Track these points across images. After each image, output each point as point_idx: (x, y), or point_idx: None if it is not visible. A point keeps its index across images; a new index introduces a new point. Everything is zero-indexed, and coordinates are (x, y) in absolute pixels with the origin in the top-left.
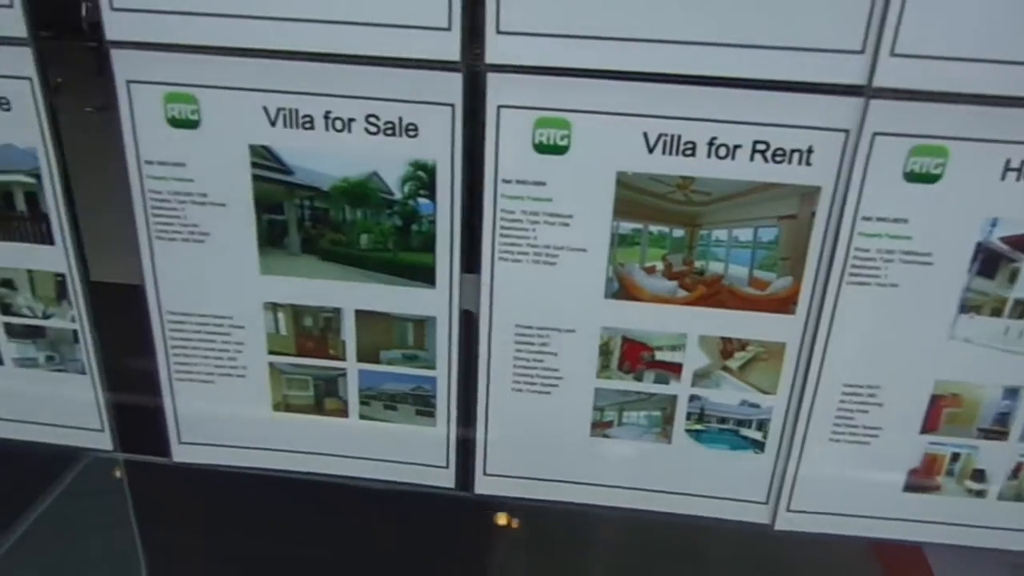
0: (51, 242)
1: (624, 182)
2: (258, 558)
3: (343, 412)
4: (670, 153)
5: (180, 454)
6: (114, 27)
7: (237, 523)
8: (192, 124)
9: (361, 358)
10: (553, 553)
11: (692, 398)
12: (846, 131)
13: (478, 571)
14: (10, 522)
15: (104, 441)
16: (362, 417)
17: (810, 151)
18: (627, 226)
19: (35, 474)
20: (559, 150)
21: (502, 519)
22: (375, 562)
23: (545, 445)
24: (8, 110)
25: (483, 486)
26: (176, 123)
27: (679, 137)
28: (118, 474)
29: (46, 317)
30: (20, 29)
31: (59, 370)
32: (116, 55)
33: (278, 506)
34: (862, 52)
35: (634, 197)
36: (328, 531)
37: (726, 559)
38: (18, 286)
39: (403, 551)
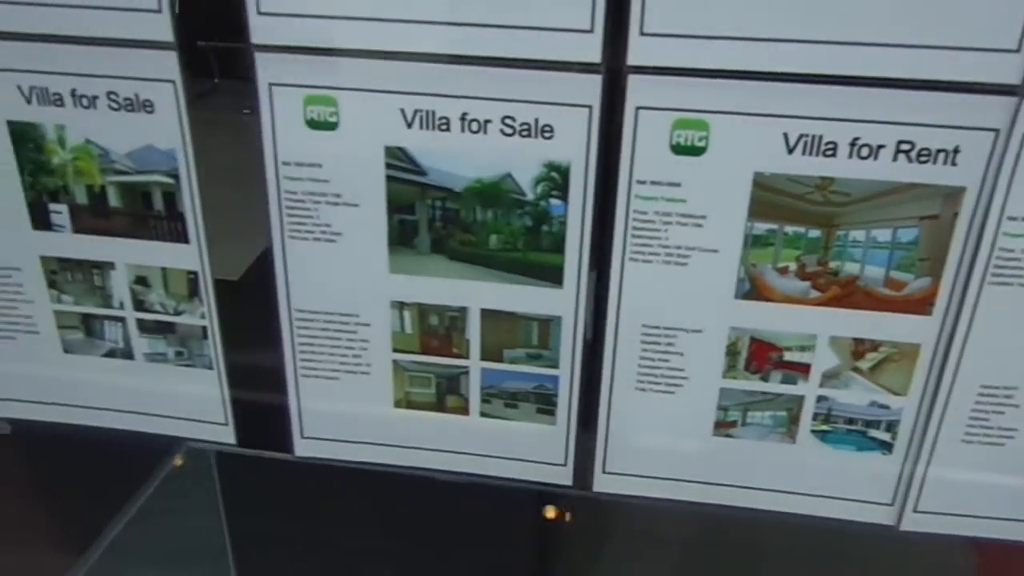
0: (186, 241)
1: (761, 183)
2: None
3: (464, 409)
4: (810, 154)
5: (302, 449)
6: (259, 31)
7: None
8: (330, 126)
9: (485, 356)
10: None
11: (820, 399)
12: (996, 131)
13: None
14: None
15: (227, 435)
16: (482, 415)
17: (956, 151)
18: (761, 227)
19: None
20: (696, 151)
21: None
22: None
23: (666, 444)
24: (151, 112)
25: (602, 484)
26: (314, 125)
27: (820, 138)
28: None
29: (177, 313)
30: (167, 33)
31: (187, 365)
32: (260, 59)
33: (381, 500)
34: (1017, 51)
35: (770, 198)
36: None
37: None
38: (152, 283)
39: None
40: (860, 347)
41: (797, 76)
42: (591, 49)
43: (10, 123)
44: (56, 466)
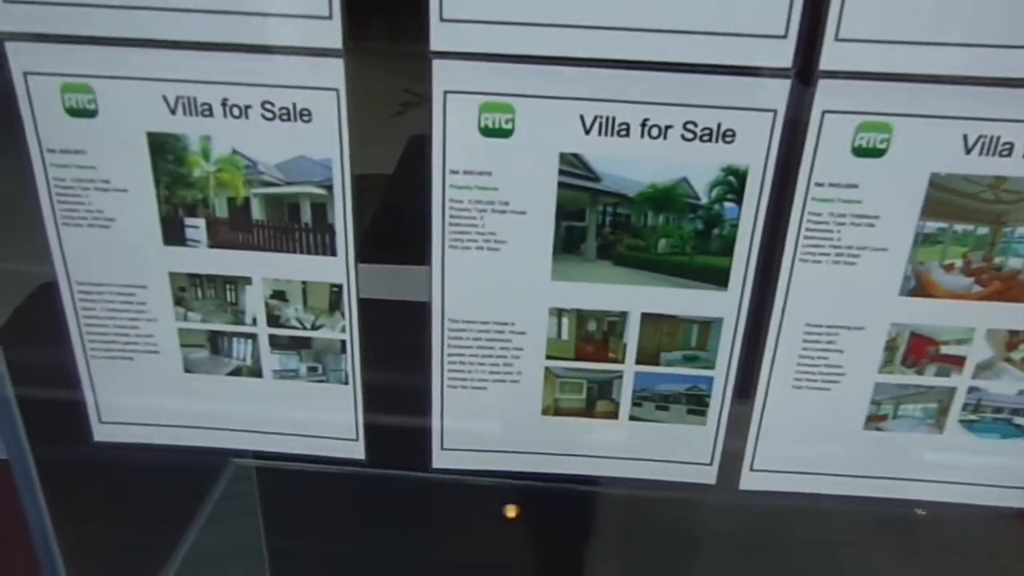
0: (333, 253)
1: (936, 183)
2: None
3: (613, 414)
4: (987, 154)
5: (440, 461)
6: (441, 38)
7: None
8: (505, 133)
9: (640, 360)
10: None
11: (971, 389)
12: None
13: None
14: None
15: (357, 451)
16: (632, 418)
17: None
18: (932, 225)
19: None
20: (877, 153)
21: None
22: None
23: (816, 439)
24: (308, 121)
25: (748, 482)
26: (488, 132)
27: (998, 138)
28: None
29: (315, 328)
30: (336, 40)
31: (320, 381)
32: (437, 66)
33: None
34: None
35: (944, 197)
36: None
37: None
38: (290, 298)
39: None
40: (1015, 338)
41: (973, 79)
42: (783, 55)
43: (150, 134)
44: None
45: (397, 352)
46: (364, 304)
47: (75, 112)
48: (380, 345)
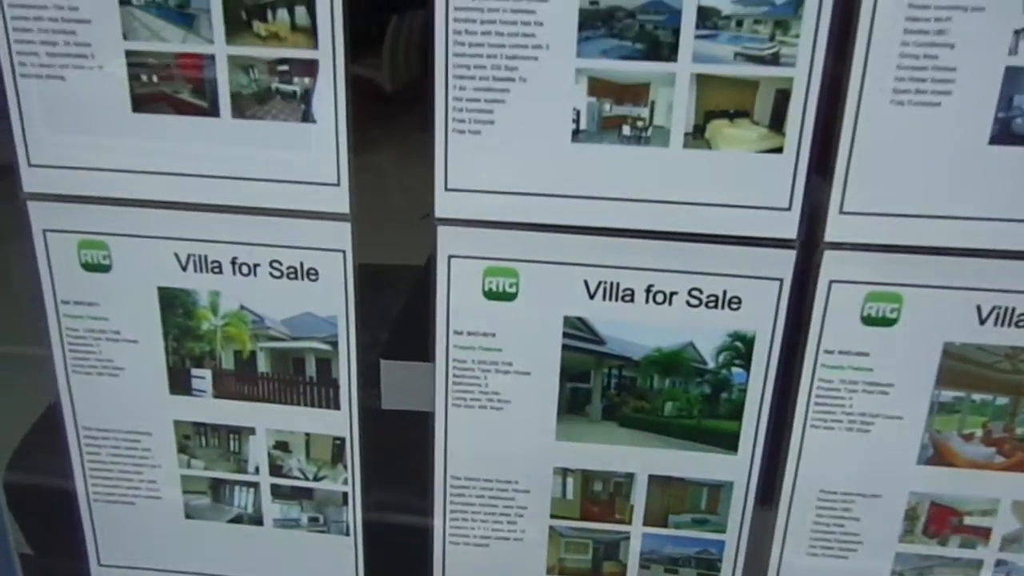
0: (337, 407)
1: (951, 352)
2: None
3: (620, 575)
4: (1003, 325)
5: None
6: (444, 207)
7: None
8: (509, 296)
9: (648, 522)
10: None
11: (998, 563)
12: None
13: None
14: None
15: None
16: None
17: None
18: (949, 394)
19: None
20: (887, 322)
21: None
22: None
23: None
24: (315, 280)
25: None
26: (492, 295)
27: (1013, 310)
28: None
29: (317, 479)
30: (343, 206)
31: (321, 531)
32: (442, 232)
33: None
34: None
35: (960, 367)
36: None
37: None
38: (292, 448)
39: None
40: None
41: (987, 252)
42: (788, 226)
43: (161, 289)
44: None
45: (399, 506)
46: (366, 456)
47: (90, 267)
48: (382, 498)
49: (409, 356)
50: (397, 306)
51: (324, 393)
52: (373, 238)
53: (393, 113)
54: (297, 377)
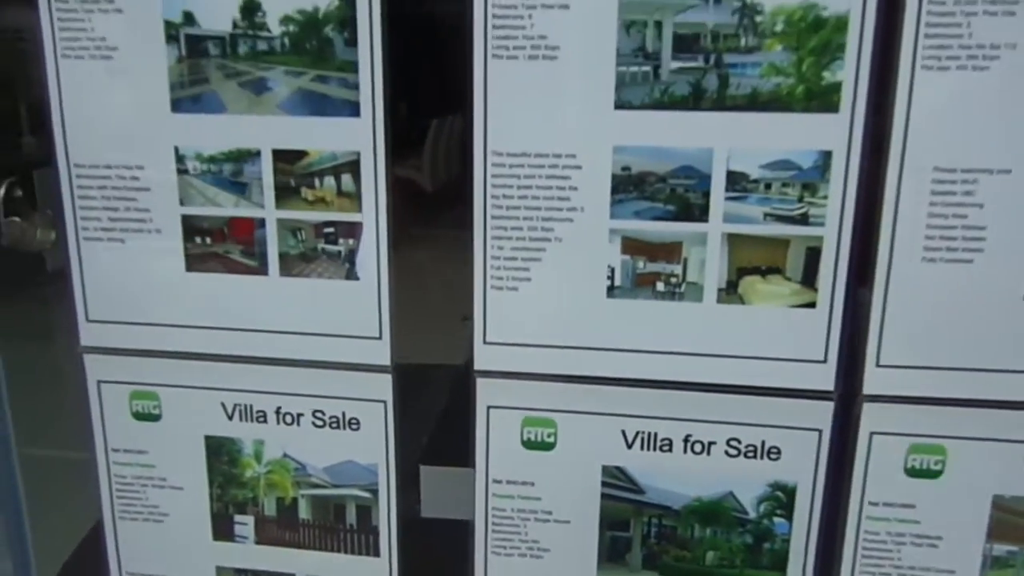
0: (377, 554)
1: (1001, 505)
2: None
3: None
4: None
5: None
6: (483, 359)
7: None
8: (548, 446)
9: None
10: None
11: None
12: None
13: None
14: None
15: None
16: None
17: None
18: (1001, 548)
19: None
20: (933, 475)
21: None
22: None
23: None
24: (357, 429)
25: None
26: (531, 445)
27: None
28: None
29: None
30: (384, 358)
31: None
32: (481, 384)
33: None
34: None
35: (1011, 520)
36: None
37: None
38: None
39: None
40: None
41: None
42: (825, 378)
43: (208, 438)
44: None
45: None
46: None
47: (141, 416)
48: None
49: (449, 461)
50: (437, 407)
51: (364, 540)
52: (414, 338)
53: (433, 212)
54: (338, 524)
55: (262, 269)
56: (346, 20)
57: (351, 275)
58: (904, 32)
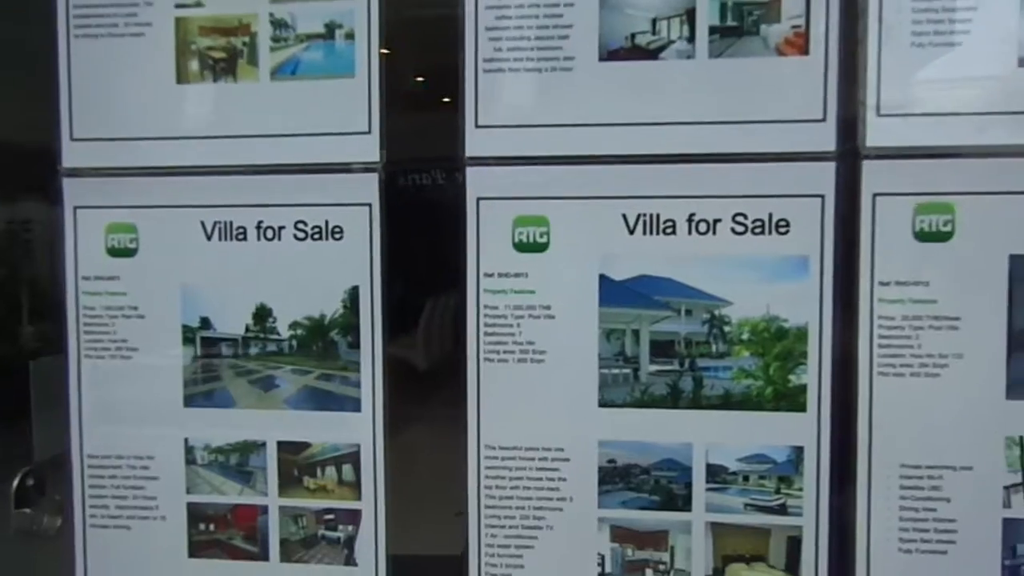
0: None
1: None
2: None
3: None
4: None
5: None
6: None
7: None
8: None
9: None
10: None
11: None
12: None
13: None
14: None
15: None
16: None
17: None
18: None
19: None
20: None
21: None
22: None
23: None
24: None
25: None
26: None
27: None
28: None
29: None
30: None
31: None
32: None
33: None
34: None
35: None
36: None
37: None
38: None
39: None
40: None
41: None
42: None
43: None
44: None
45: None
46: None
47: None
48: None
49: None
50: None
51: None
52: (408, 530)
53: (426, 391)
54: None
55: (263, 555)
56: (350, 326)
57: (350, 561)
58: (860, 343)
